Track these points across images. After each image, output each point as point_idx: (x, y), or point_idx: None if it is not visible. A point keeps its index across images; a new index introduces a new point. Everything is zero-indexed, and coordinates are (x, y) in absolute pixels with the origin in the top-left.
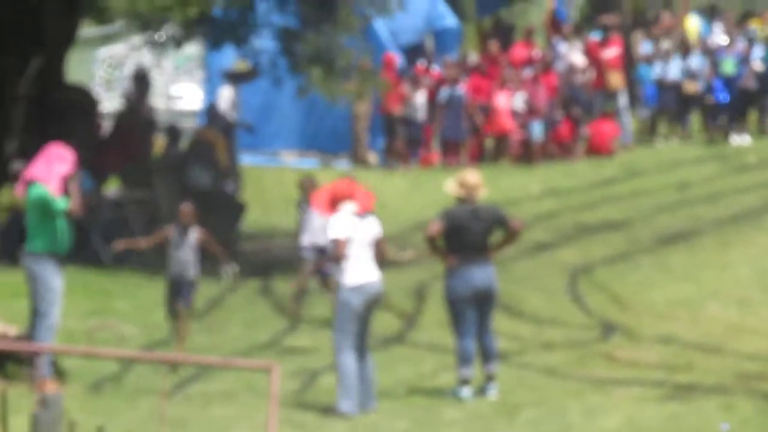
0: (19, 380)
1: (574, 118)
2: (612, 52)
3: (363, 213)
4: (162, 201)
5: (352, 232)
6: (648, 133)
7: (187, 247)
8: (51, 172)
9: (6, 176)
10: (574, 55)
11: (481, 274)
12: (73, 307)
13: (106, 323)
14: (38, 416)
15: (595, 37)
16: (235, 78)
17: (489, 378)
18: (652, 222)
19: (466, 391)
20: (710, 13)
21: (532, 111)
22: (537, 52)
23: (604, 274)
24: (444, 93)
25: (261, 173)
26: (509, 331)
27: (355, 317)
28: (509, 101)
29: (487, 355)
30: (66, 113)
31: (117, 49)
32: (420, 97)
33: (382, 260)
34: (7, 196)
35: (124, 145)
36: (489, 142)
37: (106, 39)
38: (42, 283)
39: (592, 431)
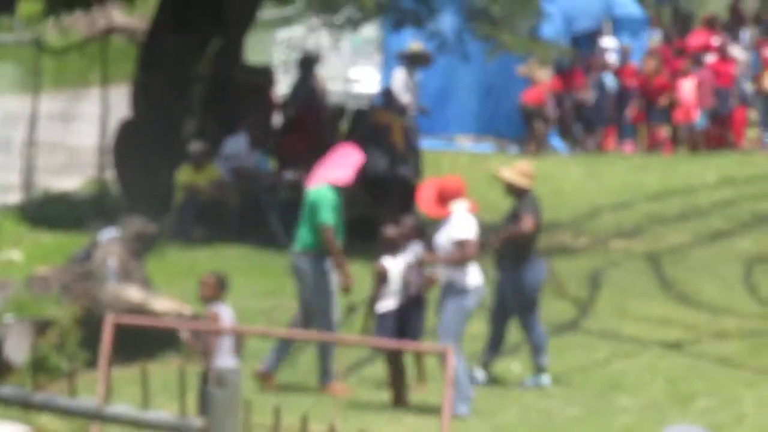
0: (194, 359)
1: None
2: None
3: (473, 212)
4: None
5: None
6: None
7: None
8: (328, 174)
9: (184, 156)
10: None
11: None
12: (250, 287)
13: (282, 303)
14: (212, 394)
15: None
16: (410, 60)
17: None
18: None
19: (546, 379)
20: None
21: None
22: (716, 39)
23: None
24: (605, 79)
25: (438, 158)
26: (684, 319)
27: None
28: (691, 89)
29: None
30: (243, 94)
31: (295, 31)
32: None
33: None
34: (185, 176)
35: (303, 128)
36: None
37: (285, 21)
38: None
39: (767, 422)
